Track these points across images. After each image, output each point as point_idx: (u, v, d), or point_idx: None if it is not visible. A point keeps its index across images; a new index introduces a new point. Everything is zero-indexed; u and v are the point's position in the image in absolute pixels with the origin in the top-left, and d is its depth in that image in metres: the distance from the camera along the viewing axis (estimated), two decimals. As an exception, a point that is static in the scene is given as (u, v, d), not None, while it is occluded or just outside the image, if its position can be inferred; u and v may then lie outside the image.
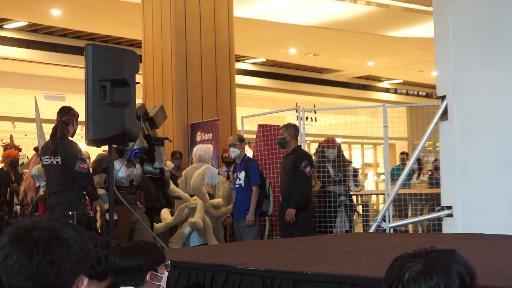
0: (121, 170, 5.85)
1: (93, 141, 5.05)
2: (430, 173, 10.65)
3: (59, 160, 5.58)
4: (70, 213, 5.59)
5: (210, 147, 7.75)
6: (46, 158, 5.71)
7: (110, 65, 4.96)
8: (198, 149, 7.45)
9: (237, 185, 6.70)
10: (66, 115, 5.54)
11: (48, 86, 15.46)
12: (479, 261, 3.12)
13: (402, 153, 10.96)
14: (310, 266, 3.13)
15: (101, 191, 5.93)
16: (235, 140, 6.86)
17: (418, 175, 10.35)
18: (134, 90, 5.07)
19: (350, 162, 8.15)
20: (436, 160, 10.96)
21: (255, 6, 12.29)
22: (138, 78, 5.26)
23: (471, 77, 5.31)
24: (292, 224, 6.30)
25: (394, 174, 8.11)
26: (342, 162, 7.57)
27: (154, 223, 6.91)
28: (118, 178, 5.84)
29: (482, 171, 5.16)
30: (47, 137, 7.31)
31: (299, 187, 6.34)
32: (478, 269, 2.78)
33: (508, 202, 4.96)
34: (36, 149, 7.99)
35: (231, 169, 8.73)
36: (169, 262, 2.83)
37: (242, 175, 6.64)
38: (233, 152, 6.87)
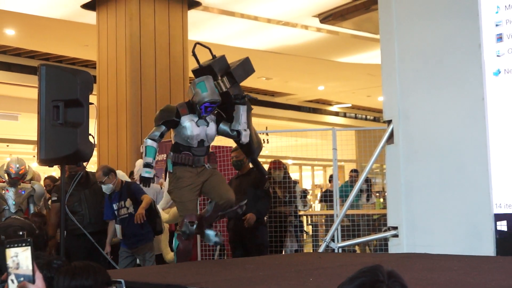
0: (188, 127, 4.92)
1: (45, 161, 4.94)
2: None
3: None
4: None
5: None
6: None
7: (63, 85, 4.89)
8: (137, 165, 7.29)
9: (125, 215, 6.16)
10: None
11: (0, 105, 15.11)
12: (422, 280, 3.17)
13: (353, 171, 10.62)
14: (260, 285, 3.12)
15: (148, 142, 4.98)
16: (100, 177, 6.12)
17: (369, 196, 10.28)
18: (87, 110, 5.01)
19: (296, 182, 8.21)
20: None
21: (209, 30, 12.32)
22: (93, 98, 5.19)
23: (416, 103, 5.43)
24: (248, 240, 6.29)
25: (343, 191, 8.16)
26: (288, 184, 7.61)
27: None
28: (184, 137, 4.96)
29: (426, 193, 5.25)
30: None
31: (264, 202, 6.36)
32: (422, 288, 2.82)
33: (450, 222, 5.05)
34: None
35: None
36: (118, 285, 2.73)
37: (128, 203, 6.18)
38: (106, 189, 6.15)
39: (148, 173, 4.92)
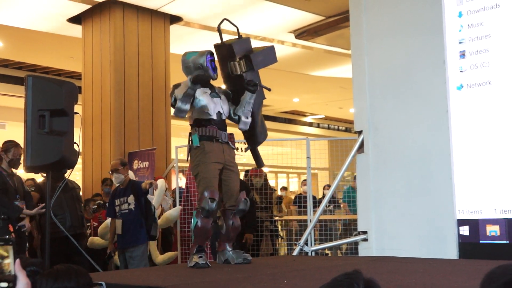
0: (202, 99, 4.43)
1: (31, 168, 4.91)
2: None
3: None
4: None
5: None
6: None
7: (49, 95, 4.86)
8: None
9: (125, 211, 6.13)
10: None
11: (-12, 114, 14.93)
12: (390, 282, 3.19)
13: (355, 178, 10.27)
14: (237, 287, 3.12)
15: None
16: (117, 165, 6.16)
17: None
18: (72, 119, 4.98)
19: (274, 190, 8.24)
20: None
21: (190, 43, 12.31)
22: (78, 108, 5.16)
23: (385, 115, 5.49)
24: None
25: (346, 196, 8.19)
26: (267, 190, 7.61)
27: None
28: (202, 108, 4.43)
29: (394, 199, 5.30)
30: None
31: (252, 213, 6.32)
32: (389, 289, 2.85)
33: (417, 227, 5.10)
34: None
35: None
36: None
37: (131, 199, 6.13)
38: (117, 178, 6.15)
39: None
